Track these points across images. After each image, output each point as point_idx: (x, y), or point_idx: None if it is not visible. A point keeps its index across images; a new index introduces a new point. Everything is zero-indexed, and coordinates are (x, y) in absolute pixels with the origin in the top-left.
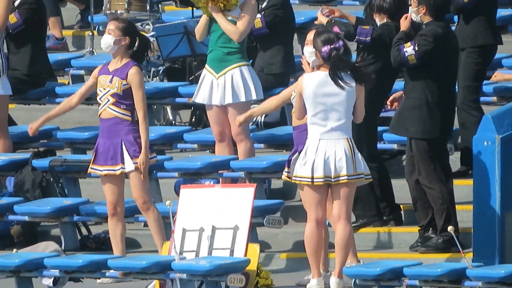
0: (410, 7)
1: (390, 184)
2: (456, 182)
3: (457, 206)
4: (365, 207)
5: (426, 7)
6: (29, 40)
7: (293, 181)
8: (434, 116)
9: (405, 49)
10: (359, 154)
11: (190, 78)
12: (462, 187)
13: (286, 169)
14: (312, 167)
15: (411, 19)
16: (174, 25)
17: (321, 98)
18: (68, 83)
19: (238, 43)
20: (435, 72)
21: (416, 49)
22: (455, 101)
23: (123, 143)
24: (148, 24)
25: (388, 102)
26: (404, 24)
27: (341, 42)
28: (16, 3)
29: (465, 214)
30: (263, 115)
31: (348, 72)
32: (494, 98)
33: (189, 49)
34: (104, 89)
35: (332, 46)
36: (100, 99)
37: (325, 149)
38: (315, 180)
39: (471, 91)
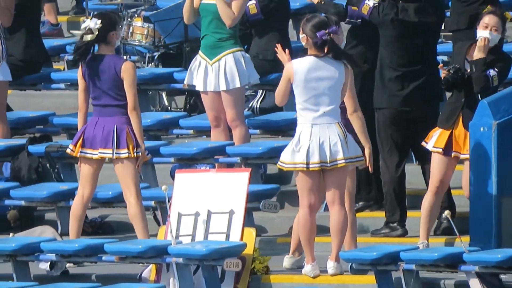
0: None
1: None
2: None
3: (453, 191)
4: (363, 191)
5: None
6: (23, 26)
7: (285, 169)
8: (380, 87)
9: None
10: (351, 137)
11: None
12: (458, 172)
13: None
14: (307, 153)
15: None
16: (170, 8)
17: (313, 83)
18: (64, 69)
19: (231, 29)
20: (385, 42)
21: None
22: (416, 75)
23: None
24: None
25: None
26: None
27: (334, 27)
28: None
29: (461, 199)
30: (259, 101)
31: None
32: None
33: (183, 34)
34: None
35: (327, 31)
36: None
37: (318, 135)
38: (310, 165)
39: None
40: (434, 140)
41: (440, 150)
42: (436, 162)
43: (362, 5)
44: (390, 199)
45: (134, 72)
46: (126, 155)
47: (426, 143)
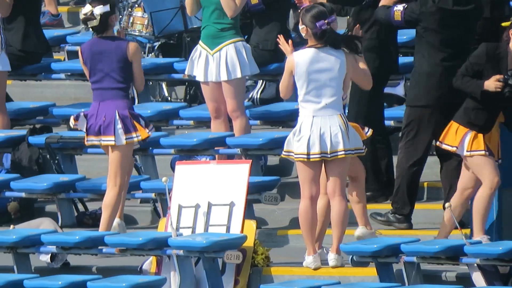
0: None
1: (392, 160)
2: None
3: None
4: (370, 182)
5: None
6: (21, 16)
7: (283, 156)
8: (418, 83)
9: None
10: (352, 129)
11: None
12: None
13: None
14: (307, 144)
15: None
16: None
17: (314, 75)
18: (64, 59)
19: (232, 19)
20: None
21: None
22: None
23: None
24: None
25: None
26: None
27: (333, 17)
28: None
29: None
30: (259, 91)
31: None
32: None
33: (182, 24)
34: None
35: (326, 21)
36: None
37: (319, 125)
38: (311, 156)
39: None
40: (467, 144)
41: (484, 152)
42: (483, 163)
43: (392, 14)
44: (402, 193)
45: (140, 52)
46: (136, 139)
47: (451, 146)
